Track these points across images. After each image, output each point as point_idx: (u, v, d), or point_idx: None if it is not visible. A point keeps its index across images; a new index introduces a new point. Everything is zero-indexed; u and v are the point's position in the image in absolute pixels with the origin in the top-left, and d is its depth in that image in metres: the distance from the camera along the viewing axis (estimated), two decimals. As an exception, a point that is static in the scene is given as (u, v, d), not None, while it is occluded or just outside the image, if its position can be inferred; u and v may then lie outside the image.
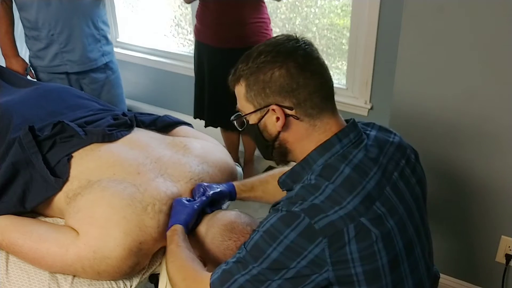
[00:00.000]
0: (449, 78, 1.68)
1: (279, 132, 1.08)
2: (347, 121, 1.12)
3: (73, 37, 2.32)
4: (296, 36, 1.09)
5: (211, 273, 1.09)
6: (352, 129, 1.09)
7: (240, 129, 1.14)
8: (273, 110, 1.05)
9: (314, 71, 1.06)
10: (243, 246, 1.06)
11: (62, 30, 2.29)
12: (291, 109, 1.05)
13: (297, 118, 1.06)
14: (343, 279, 0.98)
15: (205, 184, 1.45)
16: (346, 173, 1.02)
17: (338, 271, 0.97)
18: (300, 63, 1.04)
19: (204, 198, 1.38)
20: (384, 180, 1.06)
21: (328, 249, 0.96)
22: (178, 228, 1.30)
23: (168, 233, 1.31)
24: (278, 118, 1.06)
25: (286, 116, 1.05)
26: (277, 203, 1.06)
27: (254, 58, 1.06)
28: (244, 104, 1.10)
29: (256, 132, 1.12)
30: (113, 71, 2.53)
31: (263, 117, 1.08)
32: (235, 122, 1.15)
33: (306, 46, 1.07)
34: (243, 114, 1.12)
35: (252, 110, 1.09)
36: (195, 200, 1.39)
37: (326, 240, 0.95)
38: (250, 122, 1.12)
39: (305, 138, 1.08)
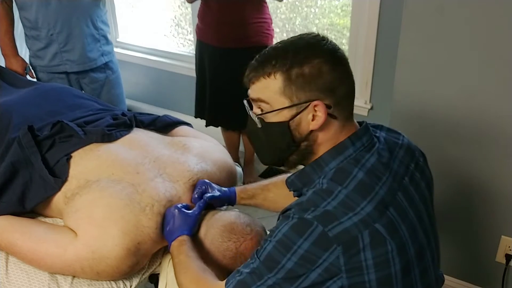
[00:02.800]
0: (449, 77, 1.68)
1: (311, 132, 1.03)
2: (359, 123, 1.10)
3: (73, 37, 2.32)
4: (326, 37, 1.06)
5: (224, 282, 1.08)
6: (365, 132, 1.07)
7: (261, 126, 1.06)
8: (315, 106, 1.00)
9: (349, 73, 1.05)
10: (255, 255, 1.04)
11: (61, 30, 2.29)
12: (329, 107, 1.01)
13: (335, 118, 1.03)
14: (356, 286, 0.97)
15: (207, 181, 1.44)
16: (359, 178, 1.00)
17: (352, 278, 0.96)
18: (342, 63, 1.02)
19: (201, 204, 1.36)
20: (395, 185, 1.04)
21: (343, 256, 0.94)
22: (185, 239, 1.29)
23: (175, 243, 1.29)
24: (313, 116, 1.01)
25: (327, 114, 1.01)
26: (287, 209, 1.02)
27: (295, 52, 1.00)
28: (276, 98, 1.02)
29: (282, 130, 1.03)
30: (113, 71, 2.53)
31: (298, 113, 1.02)
32: (256, 118, 1.06)
33: (338, 49, 1.05)
34: (276, 108, 1.02)
35: (287, 105, 1.01)
36: (194, 203, 1.38)
37: (341, 247, 0.94)
38: (276, 120, 1.03)
39: (332, 139, 1.04)
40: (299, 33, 1.09)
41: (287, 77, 1.00)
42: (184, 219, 1.32)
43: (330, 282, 0.97)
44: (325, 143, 1.05)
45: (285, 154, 1.08)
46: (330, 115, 1.02)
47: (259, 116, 1.05)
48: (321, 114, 1.00)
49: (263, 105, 1.04)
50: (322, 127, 1.02)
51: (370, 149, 1.05)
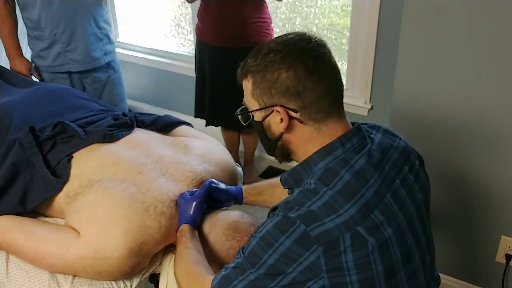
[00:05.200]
0: (449, 77, 1.68)
1: (282, 133, 1.06)
2: (352, 123, 1.10)
3: (76, 36, 2.31)
4: (309, 35, 1.05)
5: (213, 276, 1.09)
6: (356, 133, 1.07)
7: (245, 124, 1.13)
8: (277, 111, 1.03)
9: (323, 75, 1.02)
10: (241, 251, 1.06)
11: (64, 29, 2.28)
12: (295, 111, 1.02)
13: (301, 122, 1.03)
14: (338, 286, 0.98)
15: (215, 180, 1.44)
16: (346, 179, 1.00)
17: (333, 278, 0.97)
18: (309, 66, 1.01)
19: (202, 189, 1.36)
20: (384, 187, 1.04)
21: (324, 256, 0.95)
22: (185, 228, 1.30)
23: (178, 234, 1.31)
24: (282, 119, 1.04)
25: (290, 118, 1.03)
26: (276, 207, 1.05)
27: (263, 55, 1.03)
28: (250, 100, 1.08)
29: (260, 129, 1.10)
30: (115, 70, 2.53)
31: (267, 116, 1.06)
32: (239, 116, 1.13)
33: (318, 48, 1.03)
34: (249, 110, 1.10)
35: (257, 107, 1.07)
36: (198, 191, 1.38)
37: (322, 248, 0.95)
38: (255, 119, 1.10)
39: (309, 141, 1.06)
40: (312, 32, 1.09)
41: (254, 81, 1.05)
42: (185, 206, 1.34)
43: (311, 282, 0.97)
44: (304, 143, 1.06)
45: (270, 149, 1.13)
46: (296, 119, 1.03)
47: (238, 114, 1.13)
48: (284, 118, 1.03)
49: (245, 103, 1.11)
50: (291, 129, 1.05)
51: (360, 150, 1.06)
